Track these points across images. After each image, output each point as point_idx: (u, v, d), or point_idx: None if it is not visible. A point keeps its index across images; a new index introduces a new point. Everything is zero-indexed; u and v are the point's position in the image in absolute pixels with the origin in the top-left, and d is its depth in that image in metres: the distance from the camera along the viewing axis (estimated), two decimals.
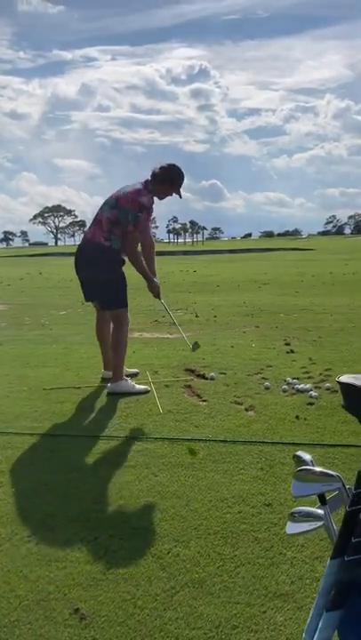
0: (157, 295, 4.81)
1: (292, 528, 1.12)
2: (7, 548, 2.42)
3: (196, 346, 5.23)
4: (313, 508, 1.14)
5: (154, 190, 4.53)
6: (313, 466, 1.13)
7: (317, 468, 1.10)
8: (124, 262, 4.61)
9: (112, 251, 4.49)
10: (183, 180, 4.60)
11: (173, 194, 4.62)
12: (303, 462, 1.15)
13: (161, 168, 4.52)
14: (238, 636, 1.88)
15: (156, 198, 4.60)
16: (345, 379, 1.14)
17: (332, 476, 1.06)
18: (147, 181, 4.54)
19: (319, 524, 1.09)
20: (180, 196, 4.64)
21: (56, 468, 3.20)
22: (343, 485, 1.05)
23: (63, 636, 1.91)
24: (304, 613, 1.96)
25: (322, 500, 1.10)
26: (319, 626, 0.96)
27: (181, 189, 4.65)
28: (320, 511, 1.11)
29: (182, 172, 4.59)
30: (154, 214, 4.90)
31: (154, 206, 4.68)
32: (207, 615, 1.98)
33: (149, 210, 4.51)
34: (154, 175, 4.52)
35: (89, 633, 1.92)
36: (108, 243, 4.49)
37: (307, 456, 1.17)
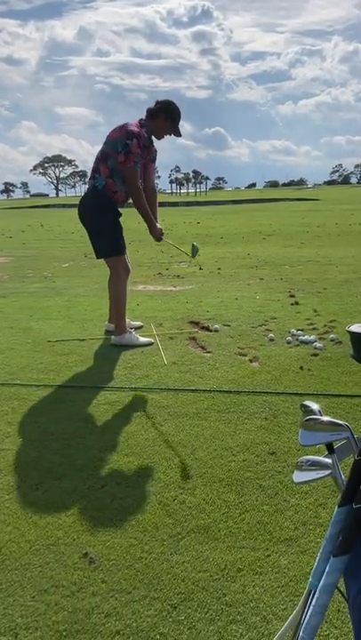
0: (159, 238, 4.65)
1: (299, 477, 1.13)
2: (16, 496, 2.47)
3: (195, 250, 4.83)
4: (320, 457, 1.14)
5: (149, 127, 4.37)
6: (320, 415, 1.12)
7: (325, 418, 1.09)
8: (113, 206, 4.44)
9: (95, 191, 4.37)
10: (179, 114, 4.41)
11: (172, 134, 4.47)
12: (311, 412, 1.14)
13: (156, 102, 4.38)
14: (243, 578, 1.93)
15: (155, 140, 4.46)
16: (355, 328, 1.11)
17: (340, 425, 1.05)
18: (140, 119, 4.40)
19: (326, 472, 1.10)
20: (180, 135, 4.48)
21: (62, 419, 3.24)
22: (352, 434, 1.05)
23: (73, 578, 1.97)
24: (308, 557, 2.01)
25: (330, 448, 1.10)
26: (326, 570, 0.97)
27: (184, 137, 4.52)
28: (327, 460, 1.11)
29: (177, 107, 4.41)
30: (156, 164, 4.74)
31: (157, 154, 4.55)
32: (213, 559, 2.03)
33: (140, 138, 4.29)
34: (149, 111, 4.38)
35: (98, 575, 1.97)
36: (92, 181, 4.40)
37: (314, 405, 1.16)
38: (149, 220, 4.51)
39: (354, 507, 0.95)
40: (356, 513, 0.94)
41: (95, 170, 4.39)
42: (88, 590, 1.90)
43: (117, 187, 4.35)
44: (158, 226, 4.60)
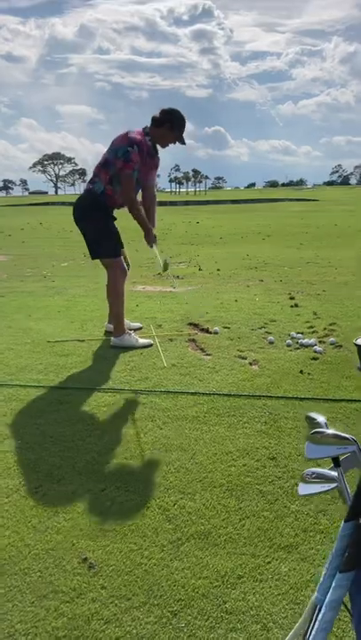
0: (152, 244, 4.58)
1: (304, 489, 1.12)
2: (16, 499, 2.46)
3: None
4: (325, 470, 1.13)
5: (153, 135, 4.36)
6: (326, 428, 1.11)
7: (331, 431, 1.08)
8: (108, 209, 4.45)
9: (93, 195, 4.38)
10: (184, 124, 4.41)
11: (177, 143, 4.46)
12: (317, 424, 1.13)
13: (161, 111, 4.36)
14: (243, 585, 1.92)
15: (159, 148, 4.45)
16: None
17: (346, 438, 1.04)
18: (145, 127, 4.39)
19: (332, 485, 1.09)
20: (184, 143, 4.47)
21: (61, 421, 3.23)
22: (358, 448, 1.04)
23: (72, 583, 1.96)
24: (308, 564, 2.01)
25: (335, 462, 1.09)
26: (332, 585, 0.97)
27: (184, 136, 4.48)
28: (333, 473, 1.11)
29: (183, 116, 4.39)
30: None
31: (160, 158, 4.53)
32: (213, 565, 2.02)
33: (141, 146, 4.28)
34: (153, 119, 4.37)
35: (97, 581, 1.97)
36: (91, 185, 4.41)
37: (320, 417, 1.15)
38: (145, 225, 4.47)
39: (360, 522, 0.94)
40: None
41: (96, 175, 4.40)
42: (88, 596, 1.90)
43: (116, 194, 4.37)
44: (154, 232, 4.57)
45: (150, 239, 4.56)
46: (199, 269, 8.73)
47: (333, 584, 0.96)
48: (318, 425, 1.12)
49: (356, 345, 1.11)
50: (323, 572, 1.01)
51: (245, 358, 4.19)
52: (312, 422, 1.14)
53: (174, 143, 4.46)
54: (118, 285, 4.52)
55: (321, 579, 1.01)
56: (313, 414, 1.16)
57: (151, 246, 4.63)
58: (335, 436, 1.06)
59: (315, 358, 4.15)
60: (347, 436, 1.05)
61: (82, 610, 1.84)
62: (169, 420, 3.19)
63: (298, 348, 4.40)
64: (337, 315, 5.42)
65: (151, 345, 4.52)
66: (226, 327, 5.01)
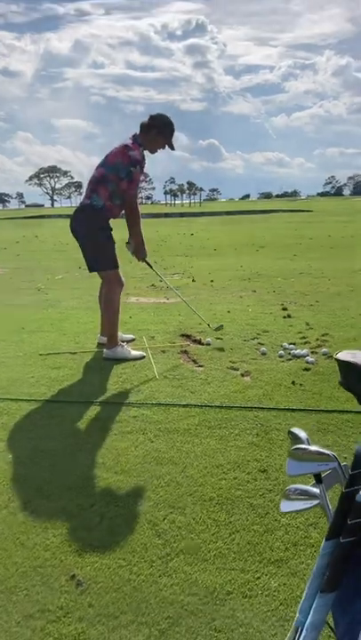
0: (144, 257, 4.67)
1: (286, 506, 1.10)
2: (4, 516, 2.43)
3: (219, 327, 5.13)
4: (308, 487, 1.12)
5: (143, 143, 4.38)
6: (308, 444, 1.10)
7: (313, 447, 1.07)
8: (107, 222, 4.47)
9: (92, 209, 4.37)
10: (173, 128, 4.44)
11: (166, 147, 4.48)
12: (298, 440, 1.12)
13: (149, 117, 4.39)
14: (233, 601, 1.90)
15: (148, 154, 4.46)
16: (343, 356, 1.10)
17: (327, 455, 1.03)
18: (135, 135, 4.41)
19: (314, 502, 1.08)
20: (173, 148, 4.49)
21: (52, 435, 3.20)
22: (339, 464, 1.03)
23: (60, 602, 1.93)
24: (298, 579, 1.99)
25: (317, 478, 1.08)
26: (313, 606, 0.95)
27: (178, 149, 4.52)
28: (315, 490, 1.09)
29: (171, 121, 4.43)
30: (149, 174, 4.76)
31: (146, 164, 4.54)
32: (202, 581, 2.00)
33: (142, 164, 4.35)
34: (142, 126, 4.39)
35: (85, 599, 1.94)
36: (89, 201, 4.40)
37: (302, 433, 1.14)
38: (140, 240, 4.53)
39: (341, 541, 0.93)
40: (343, 547, 0.92)
41: (93, 190, 4.37)
42: (75, 615, 1.87)
43: (115, 208, 4.39)
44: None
45: (141, 252, 4.58)
46: (193, 280, 8.74)
47: (314, 605, 0.95)
48: (300, 441, 1.11)
49: (336, 359, 1.10)
50: (305, 592, 1.00)
51: (238, 369, 4.18)
52: (294, 438, 1.13)
53: (163, 148, 4.48)
54: (115, 297, 4.52)
55: (302, 599, 0.99)
56: (295, 430, 1.15)
57: (142, 259, 4.64)
58: (316, 452, 1.05)
59: (307, 369, 4.14)
60: (328, 452, 1.04)
61: (68, 629, 1.81)
62: (160, 433, 3.17)
63: (290, 359, 4.39)
64: (329, 325, 5.42)
65: (144, 357, 4.51)
66: (218, 338, 4.99)
